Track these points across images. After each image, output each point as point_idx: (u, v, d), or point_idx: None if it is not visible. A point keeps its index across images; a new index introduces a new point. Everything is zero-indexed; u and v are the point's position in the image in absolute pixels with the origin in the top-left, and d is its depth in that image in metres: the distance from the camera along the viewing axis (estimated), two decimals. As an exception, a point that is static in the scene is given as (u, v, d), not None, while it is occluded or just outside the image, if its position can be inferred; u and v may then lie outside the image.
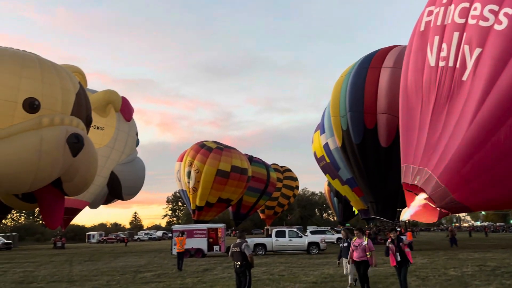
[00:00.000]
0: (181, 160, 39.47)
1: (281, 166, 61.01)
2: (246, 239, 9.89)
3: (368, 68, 27.40)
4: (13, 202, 13.29)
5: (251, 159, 46.29)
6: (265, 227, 57.41)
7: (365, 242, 10.23)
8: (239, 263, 9.32)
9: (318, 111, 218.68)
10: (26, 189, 11.08)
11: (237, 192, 39.25)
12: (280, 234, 25.56)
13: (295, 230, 27.13)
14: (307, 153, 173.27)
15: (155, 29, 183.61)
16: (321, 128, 36.09)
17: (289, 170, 61.53)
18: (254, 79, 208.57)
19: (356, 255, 10.30)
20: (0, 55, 12.24)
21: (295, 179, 61.85)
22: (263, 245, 25.35)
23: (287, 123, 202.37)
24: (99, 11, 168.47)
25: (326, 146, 34.65)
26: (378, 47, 30.99)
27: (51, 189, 11.22)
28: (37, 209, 14.85)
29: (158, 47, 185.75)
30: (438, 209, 13.06)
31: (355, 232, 10.63)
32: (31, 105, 10.84)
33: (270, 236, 27.47)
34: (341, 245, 11.76)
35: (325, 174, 38.08)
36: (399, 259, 9.72)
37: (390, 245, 9.88)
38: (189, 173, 37.77)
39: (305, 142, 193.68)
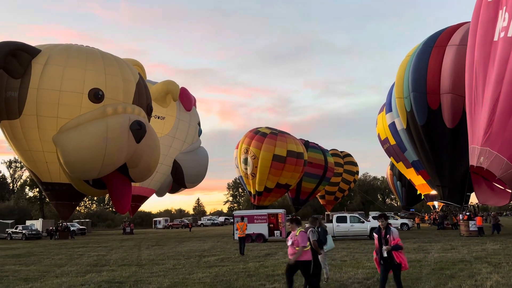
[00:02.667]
0: (238, 148, 40.01)
1: (341, 152, 60.12)
2: (315, 226, 9.45)
3: (432, 47, 26.12)
4: (85, 189, 14.24)
5: (307, 144, 45.93)
6: (325, 212, 56.99)
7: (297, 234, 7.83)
8: None
9: (380, 93, 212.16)
10: (96, 174, 11.80)
11: (294, 177, 39.21)
12: (342, 220, 25.21)
13: (357, 215, 26.63)
14: (368, 137, 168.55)
15: (213, 18, 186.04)
16: (387, 106, 34.85)
17: (349, 155, 60.50)
18: (312, 63, 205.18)
19: (290, 251, 7.93)
20: (66, 51, 13.15)
21: (356, 164, 60.76)
22: (324, 231, 25.14)
23: (347, 107, 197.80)
24: (159, 3, 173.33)
25: (392, 126, 33.44)
26: (447, 25, 29.24)
27: (119, 175, 11.89)
28: (107, 195, 15.84)
29: (216, 36, 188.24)
30: (510, 191, 12.23)
31: (286, 223, 9.61)
32: (96, 95, 11.52)
33: (331, 221, 27.22)
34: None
35: (389, 157, 36.97)
36: (385, 254, 7.26)
37: (374, 234, 7.66)
38: (245, 160, 38.21)
39: (365, 126, 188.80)
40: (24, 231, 41.32)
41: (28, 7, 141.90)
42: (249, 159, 37.64)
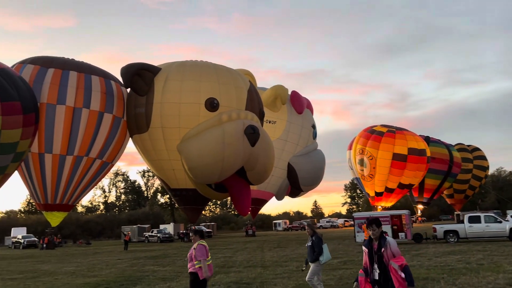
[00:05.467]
0: (350, 149, 38.88)
1: (468, 145, 54.94)
2: None
3: None
4: (209, 193, 15.13)
5: (427, 140, 42.77)
6: (455, 212, 52.53)
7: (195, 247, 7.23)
8: None
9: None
10: (216, 178, 12.53)
11: (418, 176, 36.81)
12: (474, 220, 22.94)
13: (493, 214, 24.02)
14: (501, 127, 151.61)
15: (322, 19, 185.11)
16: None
17: (478, 149, 54.90)
18: (431, 52, 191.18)
19: (189, 266, 7.38)
20: (182, 66, 14.30)
21: (486, 159, 54.99)
22: (455, 232, 23.16)
23: (474, 96, 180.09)
24: (268, 11, 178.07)
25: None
26: None
27: (238, 178, 12.49)
28: (229, 198, 16.64)
29: (325, 36, 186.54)
30: None
31: (190, 235, 8.13)
32: (211, 104, 12.28)
33: (461, 222, 24.98)
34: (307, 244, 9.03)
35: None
36: (376, 276, 5.29)
37: (363, 248, 5.61)
38: (361, 161, 36.93)
39: (497, 115, 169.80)
40: (158, 235, 45.46)
41: (156, 27, 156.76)
42: (366, 160, 36.34)
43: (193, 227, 44.90)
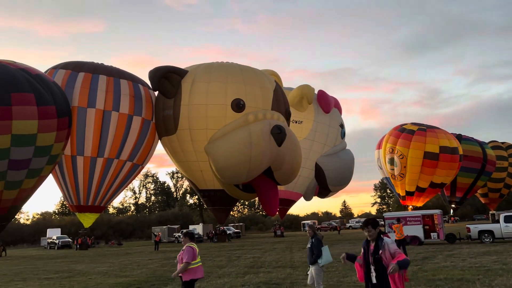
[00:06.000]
0: (379, 148, 38.22)
1: (502, 143, 53.14)
2: None
3: None
4: (237, 193, 15.20)
5: (459, 137, 41.58)
6: (490, 212, 50.93)
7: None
8: None
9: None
10: (244, 178, 12.58)
11: (450, 175, 35.86)
12: (511, 219, 22.18)
13: (531, 213, 23.16)
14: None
15: (348, 16, 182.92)
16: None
17: (513, 146, 53.15)
18: (462, 47, 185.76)
19: (178, 266, 7.34)
20: (209, 68, 14.44)
21: (522, 155, 53.06)
22: (490, 232, 22.44)
23: (508, 92, 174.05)
24: (294, 10, 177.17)
25: None
26: None
27: (265, 178, 12.50)
28: (257, 198, 16.69)
29: (352, 34, 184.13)
30: None
31: (181, 238, 7.90)
32: (238, 105, 12.35)
33: (497, 221, 24.18)
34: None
35: None
36: (374, 280, 5.02)
37: (343, 260, 5.44)
38: (391, 160, 36.23)
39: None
40: (188, 235, 45.99)
41: (182, 30, 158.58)
42: (396, 159, 35.64)
43: (221, 228, 45.07)
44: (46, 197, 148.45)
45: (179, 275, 7.25)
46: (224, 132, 12.58)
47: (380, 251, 4.98)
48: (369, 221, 5.22)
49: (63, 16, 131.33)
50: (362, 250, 5.28)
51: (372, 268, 5.04)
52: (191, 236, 7.55)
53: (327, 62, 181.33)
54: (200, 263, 7.43)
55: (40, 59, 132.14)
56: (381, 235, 5.15)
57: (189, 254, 7.16)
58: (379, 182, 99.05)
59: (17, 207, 15.55)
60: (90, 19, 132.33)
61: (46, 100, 13.58)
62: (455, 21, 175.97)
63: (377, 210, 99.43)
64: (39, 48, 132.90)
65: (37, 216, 78.56)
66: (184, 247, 7.32)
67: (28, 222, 74.42)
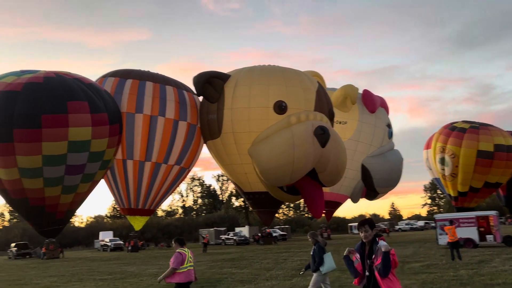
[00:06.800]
0: (428, 148, 36.88)
1: None
2: None
3: None
4: (281, 196, 15.19)
5: (515, 134, 39.43)
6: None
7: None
8: None
9: None
10: (288, 180, 12.55)
11: (506, 174, 34.03)
12: None
13: None
14: None
15: (391, 13, 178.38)
16: None
17: None
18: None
19: None
20: (250, 72, 14.59)
21: None
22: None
23: None
24: (335, 9, 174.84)
25: None
26: None
27: (310, 180, 12.41)
28: (302, 200, 16.62)
29: (396, 31, 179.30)
30: None
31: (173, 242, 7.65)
32: (279, 107, 12.37)
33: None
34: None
35: None
36: (365, 282, 4.69)
37: (353, 254, 4.90)
38: (442, 160, 34.85)
39: None
40: (235, 237, 46.40)
41: (226, 34, 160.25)
42: (447, 158, 34.25)
43: (267, 230, 45.09)
44: (99, 201, 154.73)
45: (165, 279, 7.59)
46: (266, 134, 12.62)
47: (373, 256, 4.58)
48: (366, 220, 4.83)
49: (110, 26, 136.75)
50: (357, 255, 4.81)
51: (367, 273, 4.62)
52: (180, 242, 7.92)
53: (372, 61, 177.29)
54: (190, 268, 7.72)
55: (91, 69, 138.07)
56: (377, 239, 4.68)
57: (178, 260, 7.53)
58: (429, 182, 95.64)
59: (72, 211, 16.32)
60: (136, 28, 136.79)
61: (99, 107, 14.21)
62: (506, 12, 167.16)
63: (427, 211, 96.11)
64: (90, 58, 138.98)
65: (90, 220, 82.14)
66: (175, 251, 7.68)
67: (82, 225, 77.96)
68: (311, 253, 8.70)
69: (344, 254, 4.99)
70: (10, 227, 70.09)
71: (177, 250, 7.73)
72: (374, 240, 4.68)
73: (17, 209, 16.54)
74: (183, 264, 7.60)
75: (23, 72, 14.56)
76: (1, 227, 74.59)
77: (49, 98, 13.49)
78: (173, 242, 8.02)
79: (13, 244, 45.29)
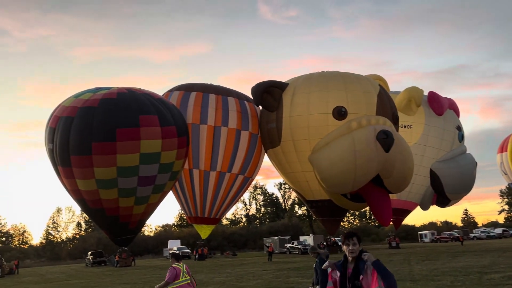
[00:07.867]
0: (503, 151, 34.43)
1: None
2: None
3: None
4: (345, 203, 14.88)
5: None
6: None
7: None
8: None
9: None
10: (350, 187, 12.28)
11: None
12: None
13: None
14: None
15: (456, 9, 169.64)
16: None
17: None
18: None
19: None
20: (309, 79, 14.60)
21: None
22: None
23: None
24: (396, 9, 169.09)
25: None
26: None
27: (375, 187, 12.02)
28: (367, 208, 16.16)
29: (463, 28, 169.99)
30: None
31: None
32: (339, 113, 12.17)
33: None
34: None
35: None
36: None
37: (329, 268, 4.16)
38: (520, 162, 32.50)
39: None
40: (299, 246, 46.06)
41: (285, 42, 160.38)
42: (525, 161, 31.92)
43: (332, 239, 44.47)
44: (166, 211, 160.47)
45: None
46: (326, 141, 12.44)
47: (361, 277, 3.90)
48: (355, 232, 4.21)
49: (172, 40, 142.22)
50: (337, 274, 4.05)
51: None
52: (176, 257, 8.38)
53: (438, 61, 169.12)
54: (187, 281, 7.98)
55: (157, 84, 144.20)
56: (362, 255, 4.03)
57: (171, 274, 7.87)
58: (505, 187, 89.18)
59: (144, 221, 17.10)
60: (197, 41, 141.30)
61: (168, 121, 14.90)
62: None
63: (504, 218, 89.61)
64: (155, 73, 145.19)
65: (159, 228, 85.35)
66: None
67: (151, 234, 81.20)
68: (314, 266, 8.93)
69: (323, 267, 4.39)
70: (86, 236, 74.70)
71: (172, 265, 8.11)
72: (359, 257, 4.03)
73: (93, 219, 17.61)
74: (178, 279, 7.92)
75: (98, 89, 15.59)
76: (78, 236, 79.66)
77: (123, 112, 14.36)
78: (170, 256, 8.55)
79: (89, 253, 48.22)
